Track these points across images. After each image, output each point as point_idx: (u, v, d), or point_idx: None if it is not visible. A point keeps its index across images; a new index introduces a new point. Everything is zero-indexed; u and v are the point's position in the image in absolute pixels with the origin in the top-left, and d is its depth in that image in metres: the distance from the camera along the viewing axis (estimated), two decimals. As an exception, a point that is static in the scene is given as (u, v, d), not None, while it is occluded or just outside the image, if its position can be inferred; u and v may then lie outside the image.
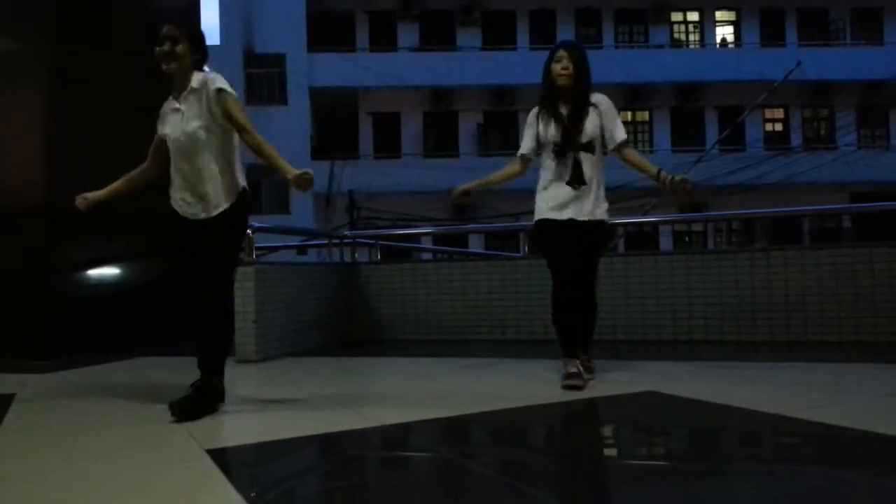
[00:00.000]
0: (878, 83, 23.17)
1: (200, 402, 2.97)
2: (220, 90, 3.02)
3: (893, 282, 5.00)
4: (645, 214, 13.73)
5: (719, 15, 24.79)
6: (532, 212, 3.70)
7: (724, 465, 2.35)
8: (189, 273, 3.07)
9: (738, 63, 22.85)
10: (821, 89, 23.43)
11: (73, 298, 5.33)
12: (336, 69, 22.26)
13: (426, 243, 11.41)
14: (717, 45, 24.77)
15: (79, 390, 3.84)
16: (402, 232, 13.06)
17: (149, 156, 3.29)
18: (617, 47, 24.21)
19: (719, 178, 20.37)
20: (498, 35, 23.75)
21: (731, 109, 22.59)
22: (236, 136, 3.11)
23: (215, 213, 3.05)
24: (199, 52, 3.11)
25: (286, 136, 18.34)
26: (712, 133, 23.46)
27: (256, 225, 5.00)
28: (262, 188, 19.82)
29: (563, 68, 3.54)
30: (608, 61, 21.11)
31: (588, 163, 3.55)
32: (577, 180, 3.54)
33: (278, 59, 22.09)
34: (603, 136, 3.59)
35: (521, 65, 21.35)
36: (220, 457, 2.36)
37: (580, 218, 3.54)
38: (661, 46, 24.16)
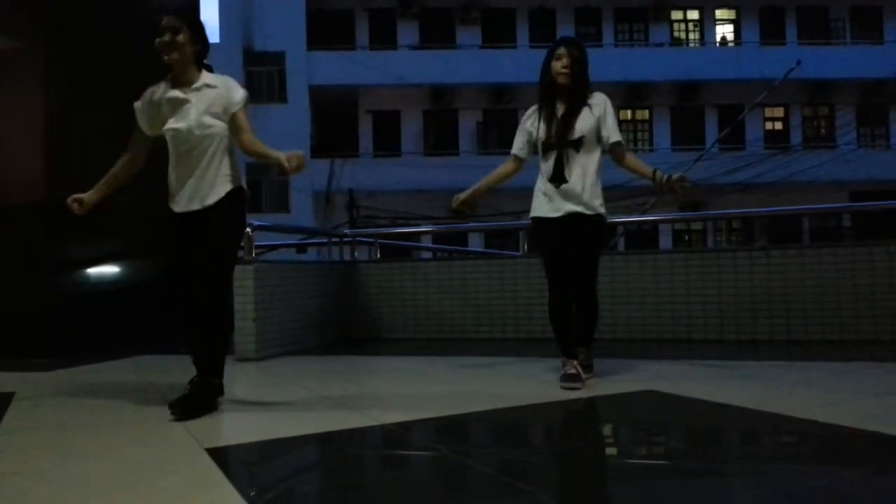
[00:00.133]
0: (877, 82, 23.19)
1: (200, 400, 2.97)
2: (245, 99, 3.10)
3: (893, 281, 5.00)
4: (644, 213, 13.72)
5: (719, 13, 24.79)
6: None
7: (723, 465, 2.35)
8: (188, 272, 3.06)
9: (738, 62, 22.83)
10: (821, 88, 23.43)
11: (72, 297, 5.33)
12: (336, 67, 22.24)
13: (426, 242, 11.40)
14: (717, 44, 24.77)
15: (78, 389, 3.84)
16: (401, 230, 13.07)
17: (129, 147, 3.23)
18: (617, 46, 24.21)
19: (719, 177, 20.36)
20: (498, 33, 23.74)
21: (731, 108, 22.59)
22: None
23: (213, 200, 3.03)
24: (200, 42, 3.11)
25: (286, 134, 18.35)
26: (712, 131, 23.45)
27: (256, 223, 5.01)
28: (262, 187, 19.82)
29: (563, 67, 3.52)
30: (608, 60, 21.08)
31: (575, 160, 3.52)
32: (558, 178, 3.52)
33: (278, 57, 22.08)
34: (599, 134, 3.57)
35: (520, 63, 21.28)
36: (220, 455, 2.36)
37: (562, 212, 3.51)
38: (661, 45, 24.15)
